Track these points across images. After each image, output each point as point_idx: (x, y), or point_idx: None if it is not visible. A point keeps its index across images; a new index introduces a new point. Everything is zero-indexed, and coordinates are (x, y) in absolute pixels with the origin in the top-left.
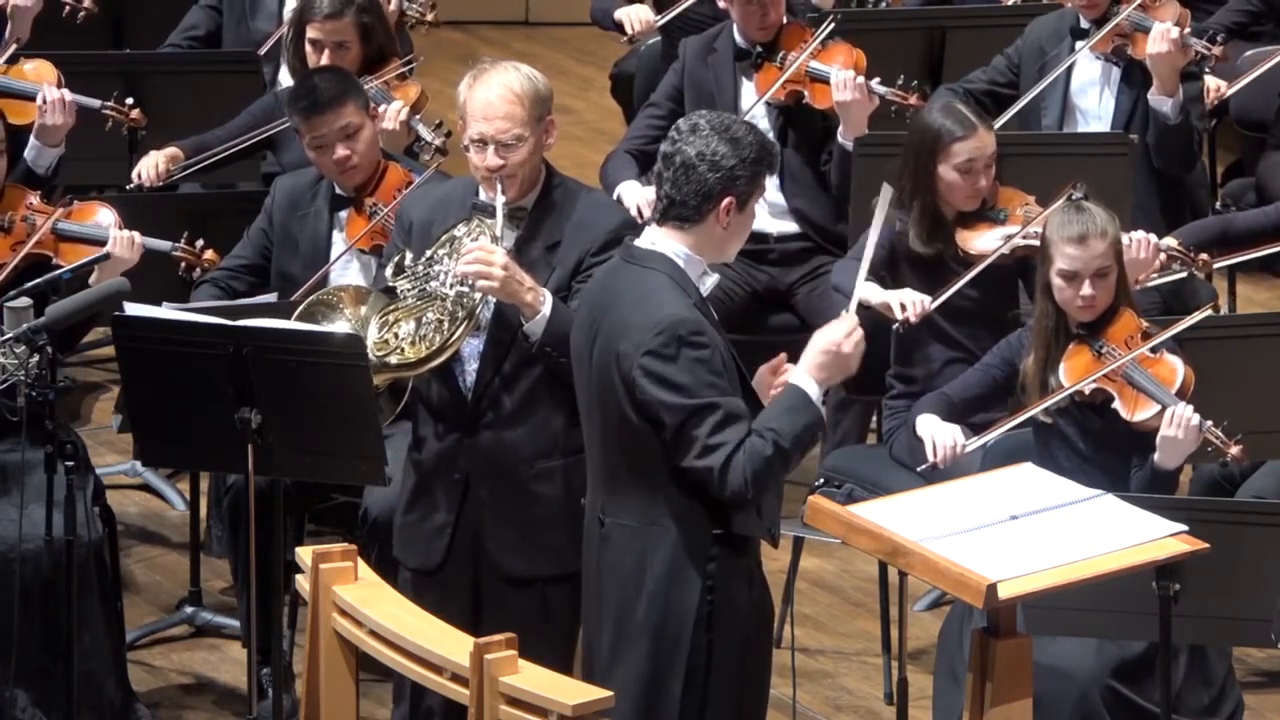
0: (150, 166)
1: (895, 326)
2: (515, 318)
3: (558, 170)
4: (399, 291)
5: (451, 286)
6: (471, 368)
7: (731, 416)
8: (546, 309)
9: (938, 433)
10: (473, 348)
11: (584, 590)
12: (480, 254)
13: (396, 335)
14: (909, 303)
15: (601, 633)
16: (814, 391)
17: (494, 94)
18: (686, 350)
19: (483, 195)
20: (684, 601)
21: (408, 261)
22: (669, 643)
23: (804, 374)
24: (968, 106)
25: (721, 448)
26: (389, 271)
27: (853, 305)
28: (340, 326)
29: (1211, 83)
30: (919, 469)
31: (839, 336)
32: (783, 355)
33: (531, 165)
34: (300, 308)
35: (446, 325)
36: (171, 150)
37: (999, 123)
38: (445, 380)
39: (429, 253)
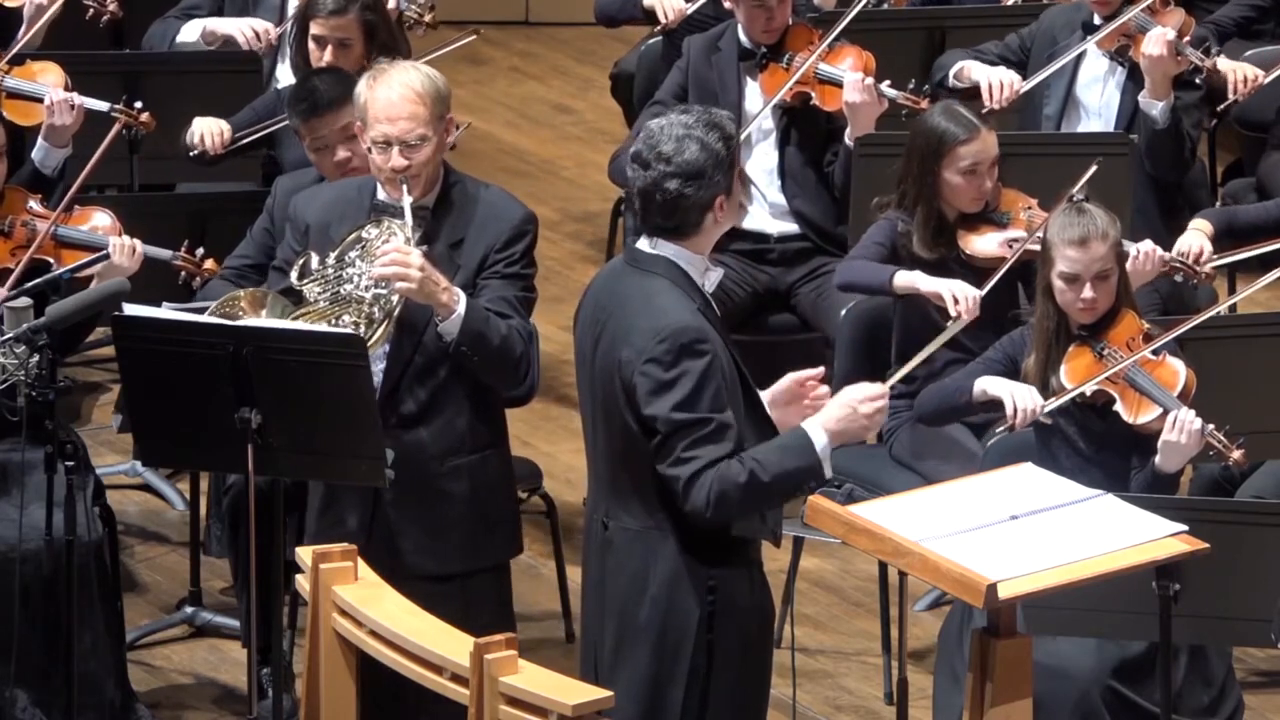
0: (215, 134)
1: (949, 323)
2: (420, 319)
3: (454, 169)
4: (309, 295)
5: (368, 289)
6: (378, 369)
7: (718, 433)
8: (461, 308)
9: (1018, 393)
10: (379, 350)
11: (585, 594)
12: (397, 255)
13: None
14: (961, 296)
15: (604, 635)
16: (819, 441)
17: (396, 94)
18: (688, 360)
19: (381, 195)
20: (687, 603)
21: (314, 264)
22: (672, 645)
23: (816, 422)
24: (968, 108)
25: (693, 461)
26: (294, 275)
27: (891, 380)
28: None
29: (1249, 71)
30: (997, 430)
31: (863, 400)
32: (821, 370)
33: (434, 164)
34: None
35: (364, 328)
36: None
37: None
38: None
39: (336, 254)
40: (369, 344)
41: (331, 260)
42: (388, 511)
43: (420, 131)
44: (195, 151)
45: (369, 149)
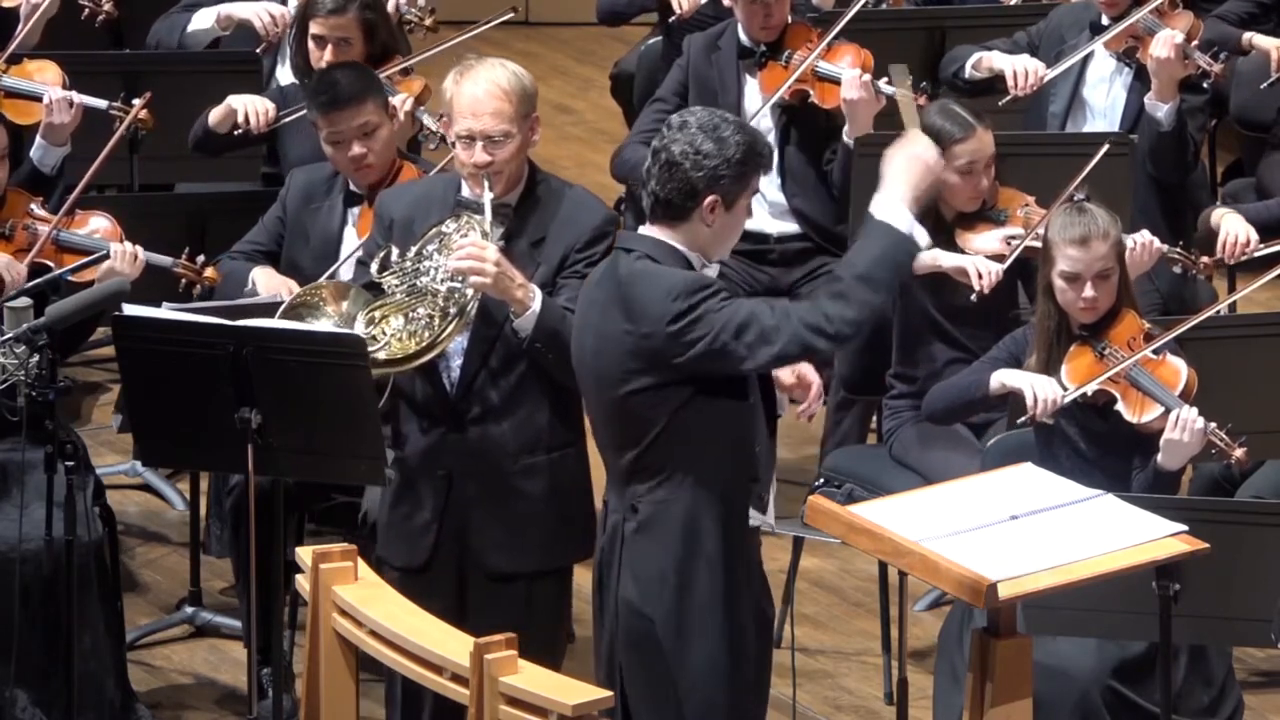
0: (261, 113)
1: (972, 297)
2: (500, 313)
3: (540, 168)
4: (386, 287)
5: (443, 282)
6: (456, 363)
7: (771, 300)
8: (536, 305)
9: (1037, 383)
10: (457, 343)
11: (605, 597)
12: (473, 250)
13: (385, 331)
14: (985, 271)
15: (652, 625)
16: (889, 215)
17: (482, 90)
18: (707, 300)
19: (465, 191)
20: (739, 554)
21: (394, 258)
22: (733, 597)
23: (880, 200)
24: (965, 107)
25: (787, 318)
26: (374, 267)
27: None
28: (325, 325)
29: None
30: (1018, 422)
31: (919, 149)
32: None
33: (518, 162)
34: (282, 309)
35: (438, 321)
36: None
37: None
38: (429, 376)
39: (416, 248)
40: (442, 337)
41: (411, 254)
42: (462, 508)
43: (504, 128)
44: (239, 130)
45: (453, 144)
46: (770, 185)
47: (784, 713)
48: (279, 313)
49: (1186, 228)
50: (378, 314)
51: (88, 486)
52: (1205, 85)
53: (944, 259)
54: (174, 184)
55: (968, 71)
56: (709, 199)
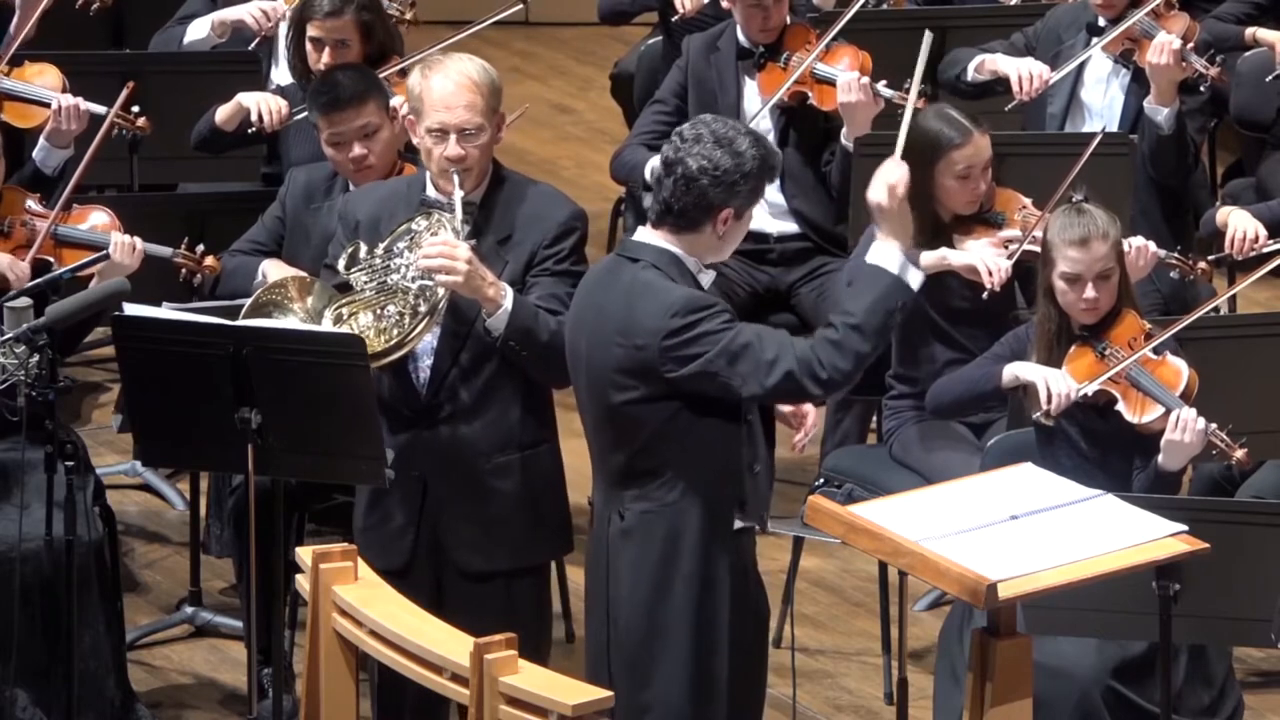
0: (274, 111)
1: (984, 295)
2: (470, 311)
3: (503, 165)
4: (355, 284)
5: (414, 280)
6: (426, 363)
7: (772, 335)
8: (508, 303)
9: (1052, 378)
10: (426, 342)
11: (593, 599)
12: (444, 248)
13: (354, 327)
14: (995, 267)
15: (629, 633)
16: (883, 259)
17: (453, 83)
18: (707, 319)
19: (430, 191)
20: (719, 572)
21: (362, 254)
22: (707, 619)
23: (875, 246)
24: (961, 111)
25: (778, 363)
26: (341, 264)
27: (897, 152)
28: (291, 322)
29: None
30: (1035, 415)
31: (892, 183)
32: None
33: (486, 158)
34: (247, 306)
35: (408, 319)
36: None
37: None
38: (398, 376)
39: (385, 244)
40: (412, 335)
41: (380, 250)
42: (436, 508)
43: (478, 121)
44: (252, 128)
45: (421, 138)
46: (770, 186)
47: (784, 713)
48: (243, 312)
49: (1187, 229)
50: (345, 311)
51: (88, 486)
52: (1202, 89)
53: (953, 257)
54: (175, 184)
55: (970, 74)
56: (724, 212)
